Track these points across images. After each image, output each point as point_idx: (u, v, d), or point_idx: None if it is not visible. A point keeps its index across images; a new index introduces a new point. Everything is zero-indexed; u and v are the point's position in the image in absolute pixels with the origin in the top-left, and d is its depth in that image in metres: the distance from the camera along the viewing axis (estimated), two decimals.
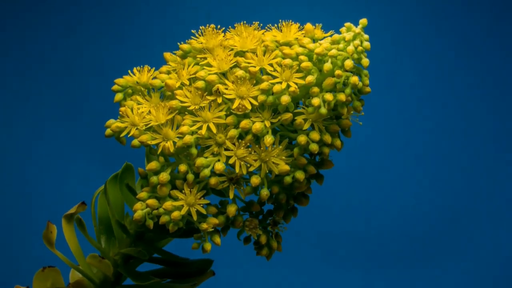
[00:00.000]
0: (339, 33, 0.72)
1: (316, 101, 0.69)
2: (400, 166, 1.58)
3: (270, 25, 0.76)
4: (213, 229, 0.71)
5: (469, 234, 1.54)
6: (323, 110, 0.69)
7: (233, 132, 0.69)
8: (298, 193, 0.75)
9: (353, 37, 0.71)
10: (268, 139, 0.69)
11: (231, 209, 0.71)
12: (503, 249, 1.54)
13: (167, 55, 0.78)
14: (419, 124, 1.59)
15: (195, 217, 0.70)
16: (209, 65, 0.73)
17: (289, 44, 0.73)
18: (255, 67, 0.71)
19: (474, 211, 1.56)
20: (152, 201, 0.70)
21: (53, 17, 1.56)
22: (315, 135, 0.70)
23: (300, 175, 0.71)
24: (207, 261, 0.81)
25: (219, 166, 0.69)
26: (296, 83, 0.69)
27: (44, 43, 1.56)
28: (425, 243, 1.55)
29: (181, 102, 0.71)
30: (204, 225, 0.71)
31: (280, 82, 0.69)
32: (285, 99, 0.69)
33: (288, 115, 0.70)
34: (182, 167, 0.70)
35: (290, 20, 0.75)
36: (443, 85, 1.59)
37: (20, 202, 1.51)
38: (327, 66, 0.70)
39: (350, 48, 0.70)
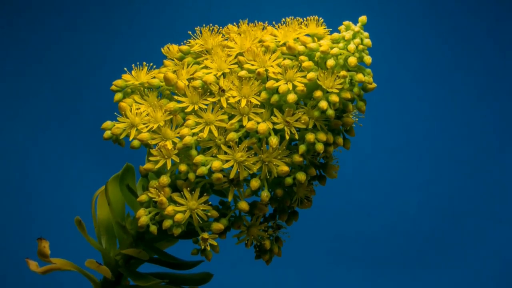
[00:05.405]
0: (339, 31, 0.72)
1: (324, 104, 0.69)
2: (400, 166, 1.58)
3: (274, 22, 0.76)
4: (214, 240, 0.71)
5: (471, 234, 1.54)
6: (330, 112, 0.69)
7: (232, 135, 0.69)
8: (301, 195, 0.75)
9: (352, 35, 0.71)
10: (274, 140, 0.69)
11: (243, 205, 0.71)
12: (504, 249, 1.54)
13: (168, 53, 0.78)
14: (419, 124, 1.59)
15: (195, 223, 0.70)
16: (207, 68, 0.73)
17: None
18: (257, 68, 0.70)
19: (476, 211, 1.56)
20: (168, 190, 0.70)
21: (52, 18, 1.56)
22: (321, 135, 0.70)
23: (301, 176, 0.71)
24: (207, 274, 0.81)
25: (217, 164, 0.69)
26: (301, 83, 0.69)
27: (44, 43, 1.55)
28: (426, 243, 1.55)
29: (179, 102, 0.71)
30: (205, 235, 0.71)
31: (286, 83, 0.69)
32: (292, 97, 0.69)
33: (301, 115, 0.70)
34: (183, 167, 0.70)
35: (291, 17, 0.75)
36: (443, 85, 1.59)
37: (20, 202, 1.51)
38: (330, 62, 0.69)
39: (351, 46, 0.70)
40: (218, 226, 0.71)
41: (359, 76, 0.70)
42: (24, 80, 1.55)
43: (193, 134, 0.70)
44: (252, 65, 0.71)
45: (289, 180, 0.71)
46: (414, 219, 1.55)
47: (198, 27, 0.77)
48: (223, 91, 0.70)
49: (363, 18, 0.72)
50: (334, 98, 0.69)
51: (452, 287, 1.52)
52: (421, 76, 1.59)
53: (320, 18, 0.75)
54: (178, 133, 0.70)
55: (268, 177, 0.70)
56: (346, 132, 0.74)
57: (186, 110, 0.71)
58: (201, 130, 0.70)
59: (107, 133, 0.74)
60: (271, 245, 0.75)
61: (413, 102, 1.59)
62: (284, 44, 0.73)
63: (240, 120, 0.69)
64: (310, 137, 0.69)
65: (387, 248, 1.55)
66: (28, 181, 1.52)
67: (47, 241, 0.77)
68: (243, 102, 0.69)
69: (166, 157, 0.70)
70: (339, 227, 1.54)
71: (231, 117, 0.70)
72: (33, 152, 1.53)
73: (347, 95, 0.70)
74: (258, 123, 0.69)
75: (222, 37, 0.76)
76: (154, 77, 0.76)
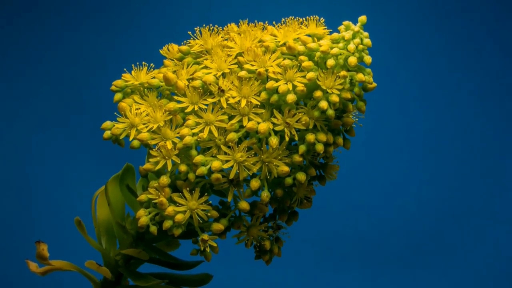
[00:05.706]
0: (339, 32, 0.72)
1: (324, 104, 0.68)
2: (400, 166, 1.57)
3: (274, 22, 0.76)
4: (214, 240, 0.71)
5: (471, 234, 1.54)
6: (331, 112, 0.69)
7: (232, 135, 0.69)
8: (301, 195, 0.75)
9: (352, 35, 0.71)
10: (274, 140, 0.69)
11: (243, 205, 0.71)
12: (504, 249, 1.54)
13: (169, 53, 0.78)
14: (419, 124, 1.58)
15: (195, 223, 0.70)
16: (207, 68, 0.73)
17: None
18: (257, 68, 0.70)
19: (474, 211, 1.55)
20: (168, 190, 0.70)
21: (52, 18, 1.56)
22: (321, 136, 0.70)
23: (301, 176, 0.71)
24: (207, 275, 0.81)
25: (217, 164, 0.68)
26: (301, 83, 0.69)
27: (44, 43, 1.55)
28: (426, 243, 1.55)
29: (179, 102, 0.71)
30: (205, 237, 0.71)
31: (285, 83, 0.69)
32: (291, 97, 0.69)
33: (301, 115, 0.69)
34: (182, 167, 0.70)
35: (291, 17, 0.75)
36: (443, 85, 1.59)
37: (20, 203, 1.51)
38: (330, 62, 0.69)
39: (351, 46, 0.70)
40: (218, 226, 0.71)
41: (359, 76, 0.70)
42: (24, 80, 1.55)
43: (193, 134, 0.70)
44: (252, 65, 0.71)
45: (289, 180, 0.71)
46: (414, 219, 1.55)
47: (198, 27, 0.77)
48: (223, 91, 0.70)
49: (363, 18, 0.72)
50: (334, 98, 0.69)
51: (452, 287, 1.52)
52: (421, 76, 1.59)
53: (320, 18, 0.75)
54: (178, 133, 0.70)
55: (268, 177, 0.70)
56: (346, 132, 0.74)
57: (186, 110, 0.71)
58: (201, 130, 0.69)
59: (107, 133, 0.74)
60: (271, 246, 0.75)
61: (413, 102, 1.59)
62: (284, 44, 0.73)
63: (240, 121, 0.69)
64: (310, 137, 0.69)
65: (387, 248, 1.54)
66: (28, 181, 1.52)
67: (45, 244, 0.77)
68: (243, 103, 0.69)
69: (166, 157, 0.70)
70: (339, 227, 1.54)
71: (231, 117, 0.70)
72: (33, 152, 1.53)
73: (347, 95, 0.70)
74: (258, 123, 0.69)
75: (222, 37, 0.76)
76: (154, 77, 0.76)
